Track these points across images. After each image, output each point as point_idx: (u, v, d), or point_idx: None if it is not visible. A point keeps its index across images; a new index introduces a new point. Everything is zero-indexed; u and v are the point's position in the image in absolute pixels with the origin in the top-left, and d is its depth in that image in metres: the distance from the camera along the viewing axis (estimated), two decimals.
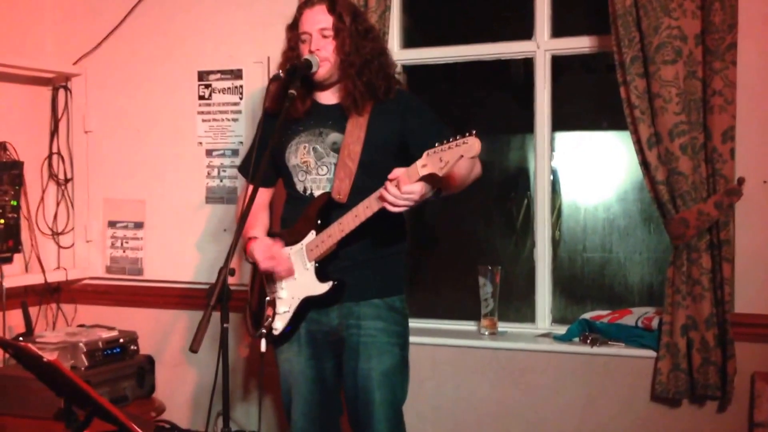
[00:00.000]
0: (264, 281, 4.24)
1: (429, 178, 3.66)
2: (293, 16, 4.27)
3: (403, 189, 3.63)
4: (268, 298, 4.21)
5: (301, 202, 4.17)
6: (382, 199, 3.72)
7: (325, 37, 4.08)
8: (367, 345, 4.10)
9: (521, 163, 5.58)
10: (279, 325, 4.15)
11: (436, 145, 3.57)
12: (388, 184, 3.68)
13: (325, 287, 4.05)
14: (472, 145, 3.49)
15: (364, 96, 4.07)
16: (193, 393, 5.86)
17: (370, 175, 3.97)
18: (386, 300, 4.16)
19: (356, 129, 4.08)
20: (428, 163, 3.59)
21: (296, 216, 4.17)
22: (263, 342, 4.15)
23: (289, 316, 4.14)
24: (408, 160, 3.72)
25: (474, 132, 3.52)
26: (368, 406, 4.10)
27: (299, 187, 4.20)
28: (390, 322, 4.15)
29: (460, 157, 3.53)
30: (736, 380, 4.58)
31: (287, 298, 4.14)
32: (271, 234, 4.29)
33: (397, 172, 3.66)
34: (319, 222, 4.04)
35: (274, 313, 4.16)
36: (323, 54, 4.07)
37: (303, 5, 4.21)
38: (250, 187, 3.96)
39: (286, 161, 4.21)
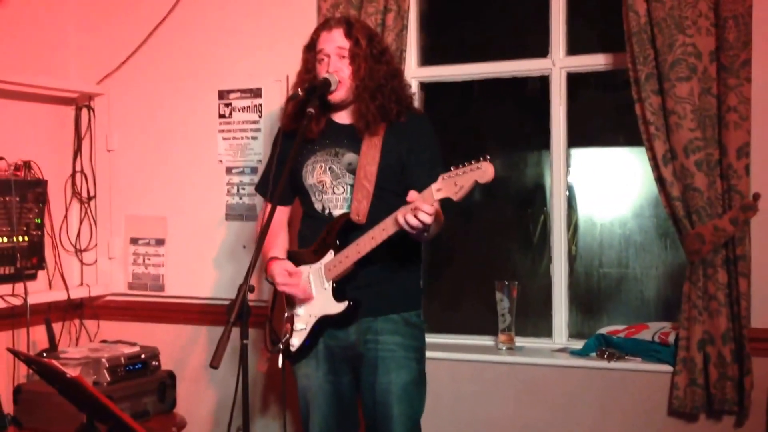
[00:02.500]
0: (284, 298, 4.24)
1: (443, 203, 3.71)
2: (310, 37, 4.32)
3: (427, 211, 3.60)
4: (286, 315, 4.21)
5: (320, 221, 4.20)
6: (399, 222, 3.72)
7: (342, 57, 4.12)
8: (385, 359, 4.10)
9: (538, 179, 5.55)
10: (296, 341, 4.18)
11: (451, 168, 3.60)
12: (405, 208, 3.69)
13: (341, 307, 4.06)
14: (485, 170, 3.52)
15: (377, 119, 4.09)
16: (213, 408, 5.85)
17: (386, 195, 4.04)
18: (403, 315, 4.17)
19: (371, 150, 4.10)
20: (443, 187, 3.63)
21: (315, 235, 4.19)
22: (280, 357, 4.17)
23: (305, 333, 4.15)
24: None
25: (488, 157, 3.55)
26: (387, 420, 4.10)
27: (317, 207, 4.22)
28: (407, 336, 4.16)
29: (474, 182, 3.56)
30: (753, 395, 4.54)
31: (304, 316, 4.16)
32: (290, 253, 4.31)
33: (414, 195, 3.68)
34: (338, 242, 4.05)
35: (292, 330, 4.18)
36: (341, 75, 4.11)
37: (321, 27, 4.28)
38: (268, 206, 4.03)
39: (303, 180, 4.24)
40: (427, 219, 3.62)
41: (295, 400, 4.45)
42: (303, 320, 4.16)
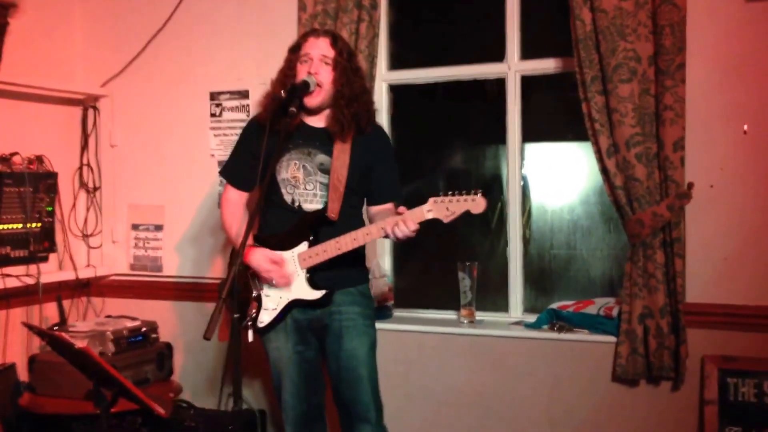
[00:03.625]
0: (249, 278, 4.18)
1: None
2: (296, 40, 4.35)
3: (411, 228, 3.77)
4: (254, 293, 4.17)
5: (289, 212, 4.19)
6: (386, 231, 3.84)
7: (324, 64, 4.12)
8: (348, 328, 4.16)
9: (495, 171, 5.53)
10: (266, 318, 4.17)
11: (441, 194, 3.75)
12: (393, 220, 3.81)
13: (317, 294, 4.10)
14: (479, 203, 3.71)
15: (350, 125, 4.11)
16: (206, 375, 5.81)
17: (354, 196, 4.15)
18: (358, 288, 4.26)
19: (342, 154, 4.12)
20: (434, 209, 3.76)
21: (283, 224, 4.19)
22: (250, 333, 4.14)
23: (276, 313, 4.15)
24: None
25: (482, 192, 3.69)
26: (354, 381, 4.15)
27: (287, 199, 4.19)
28: (364, 306, 4.24)
29: (466, 211, 3.71)
30: (687, 363, 4.56)
31: (275, 297, 4.15)
32: (257, 237, 4.26)
33: (404, 210, 3.81)
34: (311, 236, 4.07)
35: (260, 308, 4.16)
36: (320, 78, 4.10)
37: (309, 33, 4.30)
38: (233, 191, 4.35)
39: (276, 174, 4.20)
40: (411, 233, 3.79)
41: (254, 368, 4.40)
42: (274, 301, 4.15)
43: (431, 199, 3.73)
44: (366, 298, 4.27)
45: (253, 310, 4.14)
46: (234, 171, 4.38)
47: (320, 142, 4.16)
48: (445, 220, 3.71)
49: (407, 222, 3.73)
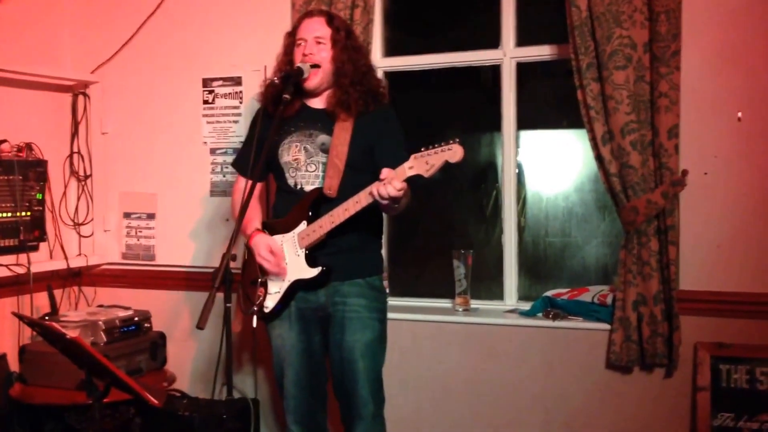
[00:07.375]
0: (257, 264, 4.22)
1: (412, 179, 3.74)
2: (293, 24, 4.37)
3: (397, 187, 3.67)
4: (260, 280, 4.21)
5: (293, 195, 4.21)
6: (372, 194, 3.76)
7: (318, 43, 4.14)
8: (351, 320, 4.14)
9: (490, 158, 5.56)
10: (270, 303, 4.20)
11: (422, 149, 3.68)
12: (378, 183, 3.72)
13: (314, 272, 4.09)
14: (456, 151, 3.61)
15: (358, 104, 4.11)
16: (200, 365, 5.85)
17: (355, 173, 4.05)
18: (367, 280, 4.21)
19: (343, 132, 4.11)
20: (415, 165, 3.69)
21: (288, 207, 4.21)
22: (255, 318, 4.21)
23: (279, 296, 4.18)
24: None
25: (458, 140, 3.62)
26: (353, 374, 4.14)
27: (290, 182, 4.22)
28: (371, 299, 4.20)
29: (444, 161, 3.63)
30: (680, 350, 4.62)
31: (278, 280, 4.17)
32: (264, 223, 4.31)
33: (387, 172, 3.72)
34: (310, 214, 4.07)
35: (266, 293, 4.20)
36: (316, 58, 4.13)
37: (303, 15, 4.32)
38: (244, 181, 4.25)
39: (278, 158, 4.24)
40: (397, 192, 3.68)
41: (265, 357, 4.44)
42: (277, 284, 4.18)
43: (412, 156, 3.69)
44: (375, 290, 4.24)
45: (260, 296, 4.19)
46: (242, 161, 4.41)
47: (322, 123, 4.18)
48: (427, 175, 3.67)
49: (391, 181, 3.66)
